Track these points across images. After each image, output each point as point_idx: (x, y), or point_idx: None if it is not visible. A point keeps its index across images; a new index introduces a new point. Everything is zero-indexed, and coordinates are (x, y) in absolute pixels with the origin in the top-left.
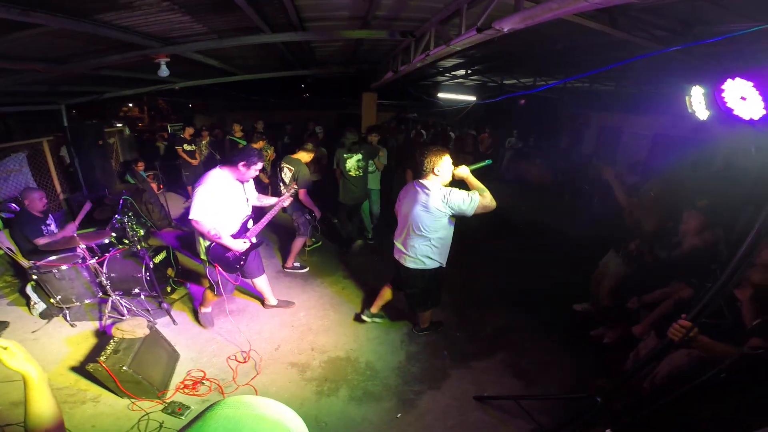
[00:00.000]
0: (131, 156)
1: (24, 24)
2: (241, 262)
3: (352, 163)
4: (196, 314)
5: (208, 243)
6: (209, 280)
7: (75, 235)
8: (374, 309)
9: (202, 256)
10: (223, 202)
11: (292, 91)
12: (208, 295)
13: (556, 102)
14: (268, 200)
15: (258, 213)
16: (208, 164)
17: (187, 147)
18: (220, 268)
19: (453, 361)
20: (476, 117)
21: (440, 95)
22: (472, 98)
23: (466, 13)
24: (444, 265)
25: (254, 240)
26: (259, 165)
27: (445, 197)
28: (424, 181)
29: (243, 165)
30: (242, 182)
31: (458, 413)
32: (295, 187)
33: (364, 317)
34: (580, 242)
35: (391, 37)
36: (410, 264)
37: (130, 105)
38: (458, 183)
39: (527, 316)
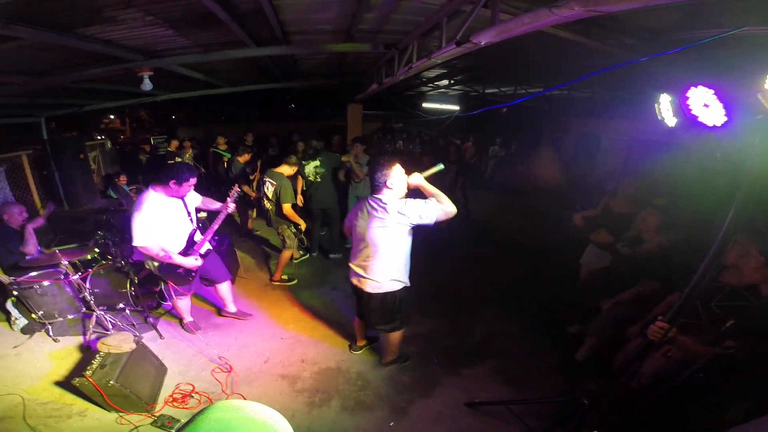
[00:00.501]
0: (113, 169)
1: (4, 37)
2: (192, 274)
3: (309, 169)
4: (182, 324)
5: (157, 262)
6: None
7: (56, 252)
8: (360, 343)
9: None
10: (164, 222)
11: (277, 104)
12: (177, 306)
13: (537, 110)
14: (214, 204)
15: (208, 217)
16: None
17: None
18: (172, 284)
19: (443, 369)
20: (460, 126)
21: (424, 105)
22: (456, 107)
23: (446, 27)
24: (408, 284)
25: (202, 252)
26: (192, 181)
27: (401, 210)
28: (378, 196)
29: (174, 183)
30: (179, 197)
31: (450, 420)
32: (238, 191)
33: (355, 352)
34: (563, 247)
35: (374, 49)
36: (371, 289)
37: (112, 117)
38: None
39: (515, 321)
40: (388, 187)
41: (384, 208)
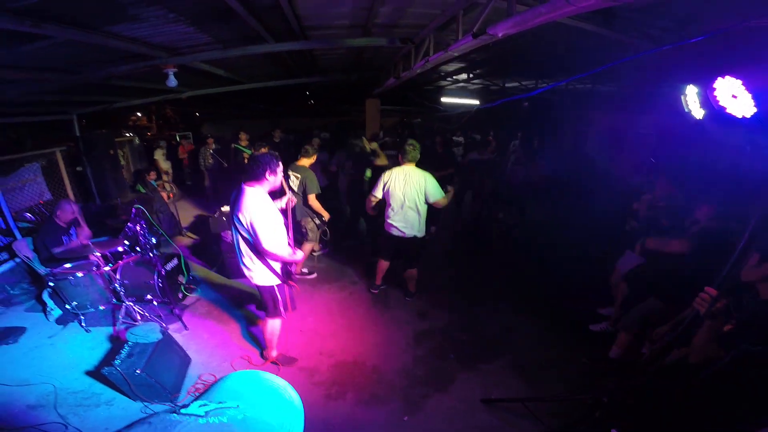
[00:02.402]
0: (141, 165)
1: (36, 35)
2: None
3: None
4: (206, 319)
5: (277, 264)
6: (273, 304)
7: (90, 243)
8: (378, 282)
9: (267, 282)
10: (276, 220)
11: (297, 99)
12: (275, 327)
13: (559, 104)
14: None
15: None
16: (214, 173)
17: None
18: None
19: (459, 364)
20: (479, 121)
21: (443, 99)
22: (476, 102)
23: (462, 19)
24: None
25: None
26: (280, 166)
27: (426, 180)
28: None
29: (270, 174)
30: (276, 189)
31: (465, 415)
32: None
33: (373, 291)
34: (585, 242)
35: (391, 44)
36: (410, 233)
37: (139, 114)
38: None
39: (533, 316)
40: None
41: (421, 177)
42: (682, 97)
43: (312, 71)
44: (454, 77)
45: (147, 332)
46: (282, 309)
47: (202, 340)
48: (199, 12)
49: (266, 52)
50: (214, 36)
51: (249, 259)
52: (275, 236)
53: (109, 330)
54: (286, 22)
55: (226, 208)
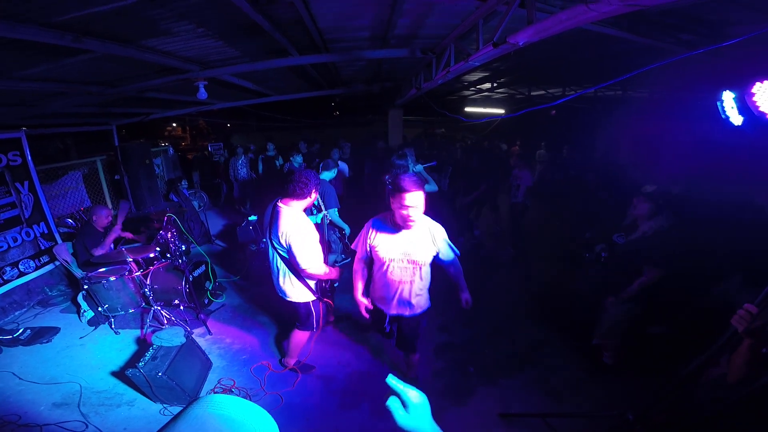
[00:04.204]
0: (175, 174)
1: (77, 50)
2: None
3: None
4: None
5: (313, 281)
6: (307, 318)
7: (123, 249)
8: None
9: (303, 299)
10: (314, 238)
11: (322, 110)
12: (303, 338)
13: (588, 111)
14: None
15: None
16: (243, 183)
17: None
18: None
19: (480, 378)
20: (505, 130)
21: (467, 109)
22: (500, 111)
23: (482, 28)
24: None
25: None
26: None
27: None
28: None
29: (315, 191)
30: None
31: (481, 430)
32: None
33: None
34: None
35: (411, 54)
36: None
37: (174, 125)
38: None
39: (558, 332)
40: None
41: None
42: (719, 103)
43: (335, 83)
44: (478, 87)
45: (171, 336)
46: (315, 323)
47: (225, 344)
48: (225, 27)
49: (291, 65)
50: (242, 50)
51: (288, 277)
52: (314, 255)
53: (137, 332)
54: (309, 35)
55: (253, 218)
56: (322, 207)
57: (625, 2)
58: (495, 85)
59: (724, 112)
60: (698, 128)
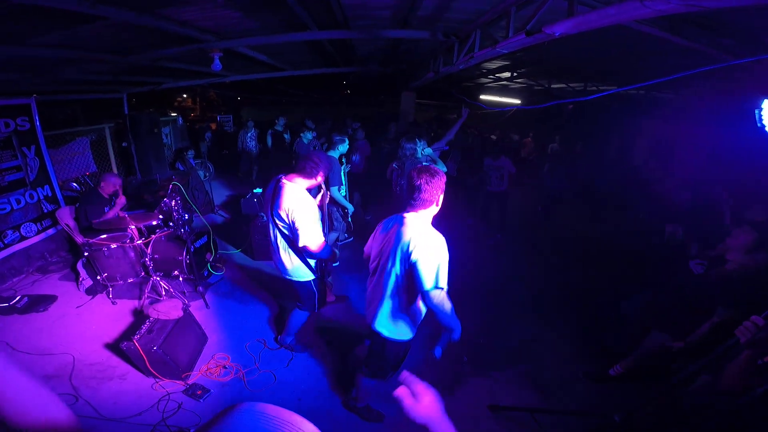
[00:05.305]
0: (182, 144)
1: (92, 16)
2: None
3: None
4: (227, 299)
5: (313, 260)
6: (308, 298)
7: (126, 215)
8: None
9: (304, 277)
10: (316, 216)
11: (333, 88)
12: (303, 318)
13: (607, 108)
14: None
15: None
16: (251, 155)
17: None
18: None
19: (473, 369)
20: (519, 121)
21: (482, 97)
22: (517, 101)
23: (514, 16)
24: None
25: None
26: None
27: None
28: None
29: (322, 174)
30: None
31: (470, 421)
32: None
33: None
34: (619, 256)
35: (433, 37)
36: None
37: (184, 96)
38: None
39: (556, 328)
40: None
41: None
42: (757, 111)
43: (350, 61)
44: (496, 75)
45: (168, 309)
46: (316, 303)
47: (222, 319)
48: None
49: (308, 40)
50: (261, 22)
51: (287, 254)
52: (315, 232)
53: (134, 303)
54: (330, 10)
55: (258, 190)
56: (323, 186)
57: (686, 1)
58: (515, 74)
59: (761, 120)
60: (729, 135)
